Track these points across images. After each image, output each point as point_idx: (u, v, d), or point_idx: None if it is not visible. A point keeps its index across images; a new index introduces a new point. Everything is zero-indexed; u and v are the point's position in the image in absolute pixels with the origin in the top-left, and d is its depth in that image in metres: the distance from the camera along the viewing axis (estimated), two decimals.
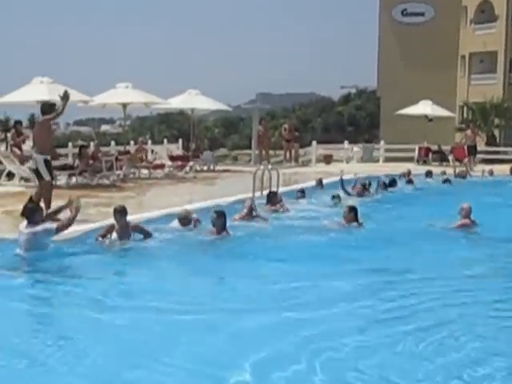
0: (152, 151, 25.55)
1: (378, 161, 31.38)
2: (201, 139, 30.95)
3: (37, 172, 12.67)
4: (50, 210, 10.10)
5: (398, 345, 5.87)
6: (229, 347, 5.87)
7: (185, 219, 10.92)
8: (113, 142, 27.52)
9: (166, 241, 10.21)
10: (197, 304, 7.09)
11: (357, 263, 9.05)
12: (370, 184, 17.45)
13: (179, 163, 23.36)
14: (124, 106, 22.91)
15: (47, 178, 12.45)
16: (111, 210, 10.28)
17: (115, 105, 23.31)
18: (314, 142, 30.60)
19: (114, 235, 9.95)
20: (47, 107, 13.04)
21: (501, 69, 43.27)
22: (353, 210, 11.88)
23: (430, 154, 29.69)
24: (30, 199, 9.24)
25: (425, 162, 28.84)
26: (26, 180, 17.99)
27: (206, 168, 24.76)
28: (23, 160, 18.23)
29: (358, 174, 18.55)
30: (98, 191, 16.39)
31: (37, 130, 13.15)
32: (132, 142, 26.30)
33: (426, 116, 30.94)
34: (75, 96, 17.80)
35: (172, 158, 23.76)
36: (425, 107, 31.40)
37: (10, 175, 18.70)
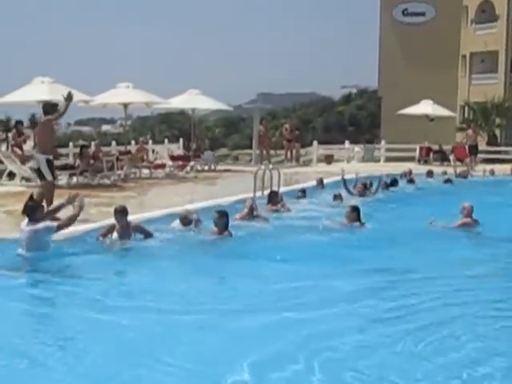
0: (153, 151, 25.54)
1: (379, 161, 31.35)
2: (202, 139, 30.90)
3: (39, 172, 12.67)
4: (50, 208, 10.07)
5: (397, 344, 5.87)
6: (229, 347, 5.86)
7: (186, 219, 10.91)
8: (114, 142, 27.54)
9: (167, 241, 10.20)
10: (197, 304, 7.08)
11: (359, 263, 9.04)
12: (371, 184, 17.44)
13: (180, 163, 23.37)
14: (125, 105, 22.90)
15: (49, 178, 12.45)
16: (112, 209, 10.29)
17: (116, 105, 23.31)
18: (315, 142, 30.58)
19: (115, 235, 9.95)
20: (49, 107, 13.05)
21: (502, 68, 43.24)
22: (355, 209, 11.87)
23: (431, 154, 29.68)
24: (31, 197, 9.22)
25: (426, 162, 28.83)
26: (27, 180, 18.00)
27: (206, 168, 24.76)
28: (24, 160, 18.25)
29: (359, 174, 18.53)
30: (99, 191, 16.38)
31: (39, 130, 13.15)
32: (133, 142, 26.29)
33: (427, 116, 30.93)
34: (76, 96, 17.64)
35: (173, 158, 23.76)
36: (426, 107, 31.38)
37: (11, 175, 18.70)
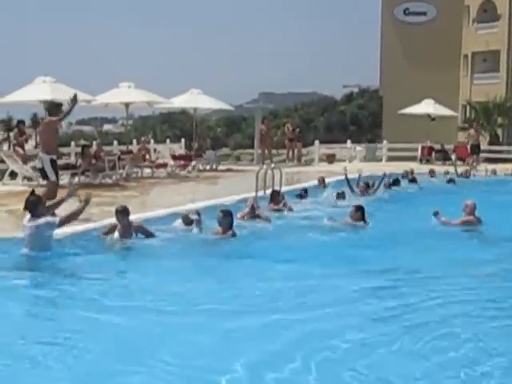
0: (154, 150, 25.56)
1: (380, 160, 31.36)
2: (203, 138, 30.93)
3: (42, 171, 12.66)
4: (51, 202, 10.02)
5: (398, 344, 5.85)
6: (230, 347, 5.84)
7: (188, 218, 10.90)
8: (115, 142, 27.54)
9: (169, 240, 10.19)
10: (198, 304, 7.05)
11: (362, 262, 9.03)
12: (373, 183, 17.43)
13: (182, 162, 23.38)
14: (126, 105, 22.91)
15: (53, 177, 12.45)
16: (114, 209, 10.27)
17: (118, 104, 23.31)
18: (317, 142, 30.59)
19: (116, 234, 9.95)
20: (54, 107, 13.07)
21: (503, 68, 43.17)
22: (360, 209, 11.88)
23: (433, 154, 29.66)
24: (32, 192, 9.19)
25: (428, 161, 28.83)
26: (29, 179, 18.01)
27: (208, 167, 24.77)
28: (26, 159, 18.26)
29: (363, 172, 18.51)
30: (101, 190, 16.37)
31: (43, 130, 13.14)
32: (135, 142, 26.30)
33: (428, 115, 30.91)
34: (78, 95, 17.78)
35: (175, 158, 23.78)
36: (427, 106, 31.39)
37: (13, 175, 18.71)
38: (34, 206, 8.86)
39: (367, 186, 16.87)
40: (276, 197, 13.63)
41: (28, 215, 8.91)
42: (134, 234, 10.04)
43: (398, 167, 23.29)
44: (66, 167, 18.49)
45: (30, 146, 19.55)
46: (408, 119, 33.37)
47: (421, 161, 29.38)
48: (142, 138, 26.84)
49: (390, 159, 31.04)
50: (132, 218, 10.23)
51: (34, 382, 5.23)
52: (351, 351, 5.71)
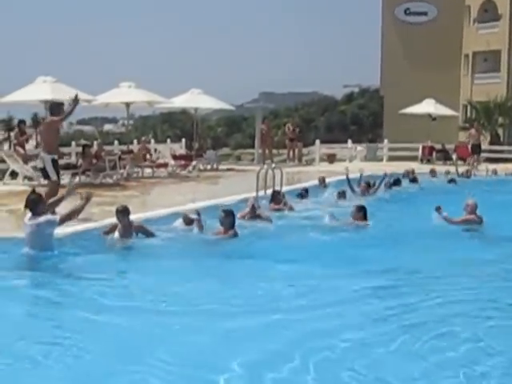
0: (155, 150, 25.55)
1: (381, 160, 31.36)
2: (204, 138, 30.95)
3: (44, 171, 12.67)
4: (51, 200, 10.02)
5: (399, 344, 5.85)
6: (230, 347, 5.83)
7: (189, 218, 10.90)
8: (116, 141, 27.56)
9: (170, 240, 10.18)
10: (198, 304, 7.05)
11: (363, 262, 9.01)
12: (374, 183, 17.43)
13: (182, 162, 23.38)
14: (127, 105, 22.91)
15: (54, 177, 12.45)
16: (114, 208, 10.27)
17: (118, 104, 23.32)
18: (317, 141, 30.59)
19: (117, 234, 9.95)
20: (55, 107, 13.07)
21: (504, 68, 43.16)
22: (362, 209, 11.88)
23: (434, 153, 29.66)
24: (33, 191, 9.19)
25: (429, 161, 28.82)
26: (30, 179, 18.01)
27: (209, 167, 24.77)
28: (27, 159, 18.27)
29: (364, 171, 18.50)
30: (102, 190, 16.36)
31: (44, 129, 13.15)
32: (135, 141, 26.31)
33: (429, 115, 30.91)
34: (78, 95, 17.79)
35: (175, 157, 23.77)
36: (428, 106, 31.38)
37: (14, 174, 18.71)
38: (35, 204, 8.85)
39: (368, 186, 16.86)
40: (277, 197, 13.62)
41: (29, 213, 8.91)
42: (134, 234, 10.05)
43: (399, 167, 23.28)
44: (67, 167, 18.48)
45: (30, 145, 19.56)
46: (409, 119, 33.37)
47: (422, 161, 29.37)
48: (143, 138, 26.84)
49: (391, 159, 31.04)
50: (132, 217, 10.23)
51: (33, 382, 5.23)
52: (351, 351, 5.71)
